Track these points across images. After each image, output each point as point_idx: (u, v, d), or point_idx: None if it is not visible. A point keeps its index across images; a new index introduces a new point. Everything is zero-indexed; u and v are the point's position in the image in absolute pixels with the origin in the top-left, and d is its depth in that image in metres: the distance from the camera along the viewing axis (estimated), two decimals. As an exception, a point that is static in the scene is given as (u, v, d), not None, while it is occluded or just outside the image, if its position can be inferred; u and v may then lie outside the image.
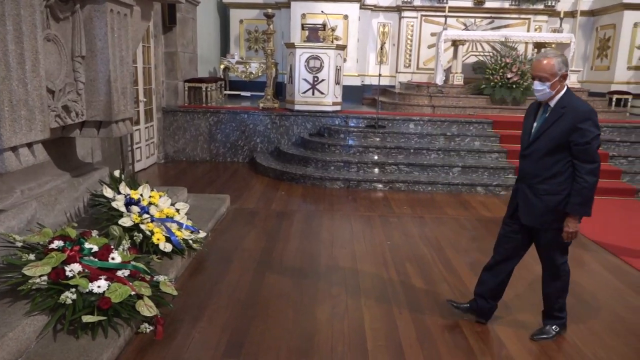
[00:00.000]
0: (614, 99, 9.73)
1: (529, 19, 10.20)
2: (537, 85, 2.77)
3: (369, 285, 3.73)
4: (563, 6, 10.18)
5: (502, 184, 6.67)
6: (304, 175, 6.72)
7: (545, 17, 10.23)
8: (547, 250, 2.96)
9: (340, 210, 5.59)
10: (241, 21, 10.66)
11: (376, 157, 7.08)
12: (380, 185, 6.66)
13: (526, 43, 9.61)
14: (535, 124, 2.86)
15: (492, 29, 10.11)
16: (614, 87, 10.10)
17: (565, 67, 2.77)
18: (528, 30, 10.11)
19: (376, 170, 6.92)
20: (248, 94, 10.05)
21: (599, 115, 8.36)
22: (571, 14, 10.42)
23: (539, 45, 9.33)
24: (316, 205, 5.76)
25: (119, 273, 3.02)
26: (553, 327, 3.11)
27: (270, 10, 8.10)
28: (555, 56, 2.77)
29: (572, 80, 9.26)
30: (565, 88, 2.79)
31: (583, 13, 10.54)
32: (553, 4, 10.21)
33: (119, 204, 3.61)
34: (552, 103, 2.80)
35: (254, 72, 9.95)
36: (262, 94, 8.43)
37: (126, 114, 3.61)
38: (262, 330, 3.10)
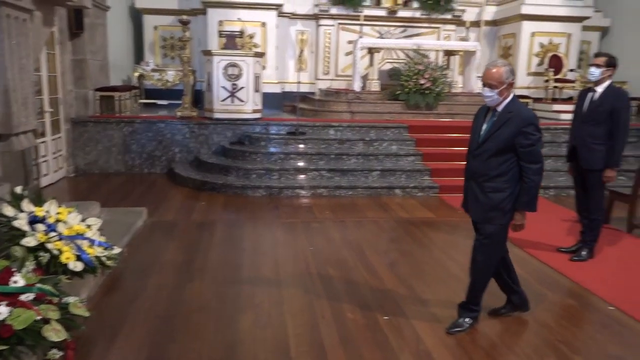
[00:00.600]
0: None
1: (438, 28, 10.72)
2: (486, 91, 2.97)
3: (292, 292, 3.75)
4: (469, 16, 10.78)
5: (419, 185, 6.94)
6: (225, 185, 6.64)
7: (453, 27, 10.80)
8: (483, 242, 3.16)
9: (262, 218, 5.58)
10: (155, 27, 10.37)
11: (298, 164, 7.13)
12: (302, 192, 6.72)
13: (437, 51, 10.04)
14: (484, 127, 3.05)
15: (405, 37, 10.50)
16: (516, 92, 10.70)
17: (512, 75, 2.98)
18: (438, 39, 10.60)
19: (298, 176, 6.97)
20: (165, 102, 9.76)
21: None
22: (476, 24, 11.03)
23: (448, 53, 9.85)
24: (238, 214, 5.71)
25: (23, 297, 2.83)
26: (466, 320, 3.28)
27: (185, 17, 7.94)
28: (504, 65, 2.98)
29: (479, 86, 9.83)
30: (512, 95, 3.01)
31: (487, 23, 11.24)
32: (460, 14, 10.80)
33: (21, 222, 3.39)
34: (500, 108, 3.00)
35: (170, 80, 9.71)
36: (180, 102, 8.24)
37: (28, 125, 3.41)
38: (183, 344, 3.04)
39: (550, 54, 10.81)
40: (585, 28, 11.35)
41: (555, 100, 10.50)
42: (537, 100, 10.56)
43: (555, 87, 10.44)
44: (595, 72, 4.32)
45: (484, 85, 3.00)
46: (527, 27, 10.70)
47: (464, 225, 5.58)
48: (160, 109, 9.26)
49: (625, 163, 7.41)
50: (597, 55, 4.41)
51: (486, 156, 3.01)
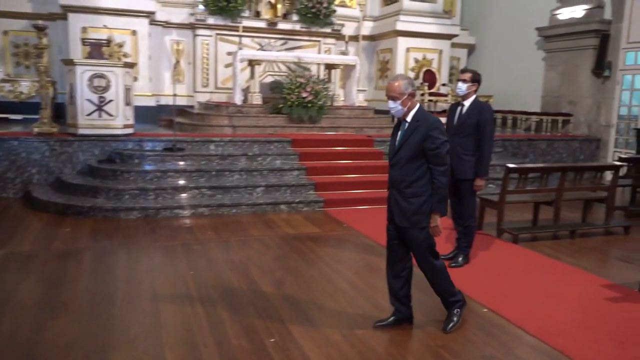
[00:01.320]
0: None
1: (319, 41, 11.02)
2: (390, 103, 3.23)
3: (171, 321, 3.58)
4: (348, 31, 11.24)
5: (304, 200, 7.01)
6: (94, 208, 6.19)
7: (333, 40, 11.17)
8: (418, 251, 3.33)
9: (137, 242, 5.29)
10: (5, 32, 9.44)
11: (176, 182, 6.86)
12: (182, 212, 6.46)
13: (318, 64, 10.30)
14: (398, 137, 3.28)
15: (287, 49, 10.61)
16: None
17: (412, 87, 3.24)
18: (319, 52, 10.89)
19: (177, 196, 6.70)
20: (19, 117, 8.95)
21: (385, 131, 9.39)
22: (355, 38, 11.54)
23: (329, 66, 10.14)
24: (109, 239, 5.36)
25: None
26: (455, 312, 3.50)
27: (41, 22, 7.34)
28: (403, 78, 3.25)
29: (360, 100, 10.24)
30: (418, 105, 3.27)
31: (365, 38, 11.80)
32: (339, 28, 11.21)
33: None
34: (409, 118, 3.25)
35: (25, 91, 8.91)
36: (37, 117, 7.54)
37: None
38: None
39: (424, 69, 11.57)
40: (455, 45, 12.32)
41: (430, 113, 11.29)
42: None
43: (430, 100, 11.16)
44: (462, 87, 4.59)
45: (388, 98, 3.25)
46: (403, 42, 11.40)
47: (349, 238, 5.72)
48: (13, 124, 8.58)
49: (493, 172, 7.94)
50: (463, 71, 4.70)
51: (402, 163, 3.24)
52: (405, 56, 11.47)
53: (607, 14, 10.18)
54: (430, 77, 11.53)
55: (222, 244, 5.31)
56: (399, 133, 3.31)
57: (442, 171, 3.22)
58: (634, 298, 4.16)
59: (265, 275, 4.47)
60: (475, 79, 4.60)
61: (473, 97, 4.63)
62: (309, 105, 8.88)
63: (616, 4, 9.91)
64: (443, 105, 11.40)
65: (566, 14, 10.74)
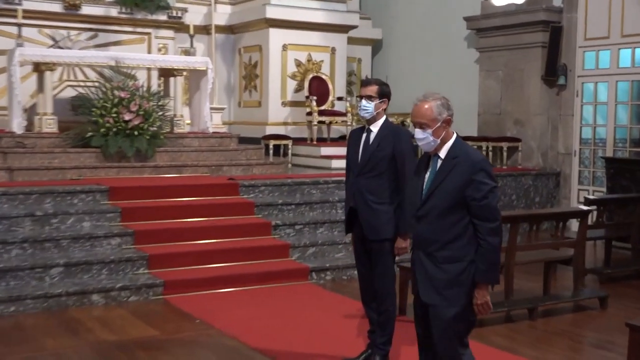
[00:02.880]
0: (271, 146, 11.18)
1: (149, 34, 11.00)
2: (418, 133, 3.50)
3: None
4: (193, 19, 11.18)
5: (131, 285, 6.78)
6: None
7: (171, 33, 11.18)
8: (445, 337, 3.51)
9: None
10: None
11: None
12: None
13: (149, 69, 10.23)
14: (426, 179, 3.55)
15: (97, 46, 10.46)
16: (269, 130, 11.65)
17: (447, 110, 3.50)
18: (149, 51, 10.84)
19: None
20: None
21: (256, 170, 9.57)
22: (205, 30, 11.61)
23: (167, 73, 10.05)
24: None
25: None
26: None
27: None
28: (435, 98, 3.50)
29: (216, 123, 10.28)
30: (455, 136, 3.54)
31: (220, 29, 11.97)
32: (180, 15, 11.23)
33: None
34: (442, 154, 3.53)
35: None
36: None
37: None
38: None
39: (310, 76, 11.90)
40: (353, 41, 12.80)
41: (322, 141, 11.46)
42: (297, 141, 11.46)
43: (322, 122, 11.45)
44: (367, 107, 4.79)
45: (415, 125, 3.53)
46: (277, 36, 11.69)
47: (205, 341, 5.60)
48: None
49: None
50: (366, 83, 4.92)
51: (433, 216, 3.51)
52: (282, 57, 11.78)
53: (557, 0, 10.96)
54: (319, 88, 11.86)
55: (-10, 369, 4.96)
56: (428, 174, 3.57)
57: (492, 229, 3.46)
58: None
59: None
60: (384, 93, 4.82)
61: (383, 118, 4.84)
62: (135, 133, 8.78)
63: (567, -14, 10.69)
64: (340, 129, 11.75)
65: (503, -2, 11.31)
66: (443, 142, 3.54)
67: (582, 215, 6.97)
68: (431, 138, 3.51)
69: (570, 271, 7.04)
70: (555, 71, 10.84)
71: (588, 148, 10.95)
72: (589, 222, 7.25)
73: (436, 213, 3.51)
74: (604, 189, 9.93)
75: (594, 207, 7.87)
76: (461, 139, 3.58)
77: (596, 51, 10.67)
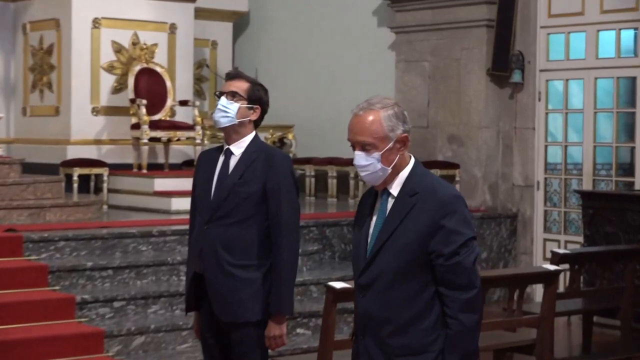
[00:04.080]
0: (75, 177, 10.74)
1: None
2: (358, 158, 3.40)
3: None
4: None
5: None
6: None
7: None
8: None
9: None
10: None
11: None
12: None
13: None
14: (371, 229, 3.48)
15: None
16: (72, 152, 11.27)
17: (403, 124, 3.41)
18: None
19: None
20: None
21: (47, 217, 9.32)
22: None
23: None
24: None
25: None
26: None
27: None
28: (385, 107, 3.42)
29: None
30: (413, 161, 3.47)
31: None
32: None
33: None
34: (395, 188, 3.44)
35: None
36: None
37: None
38: None
39: (137, 68, 11.39)
40: (204, 14, 12.53)
41: (157, 170, 11.15)
42: (117, 169, 11.14)
43: (155, 139, 11.00)
44: (228, 109, 4.75)
45: (353, 145, 3.45)
46: (83, 5, 11.16)
47: None
48: None
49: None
50: (232, 75, 5.00)
51: (383, 284, 3.42)
52: (93, 37, 11.35)
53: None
54: (151, 87, 11.53)
55: None
56: (374, 221, 3.52)
57: (467, 301, 3.38)
58: None
59: None
60: (257, 98, 4.85)
61: (251, 135, 4.88)
62: None
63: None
64: (185, 150, 11.36)
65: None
66: (396, 171, 3.46)
67: (549, 279, 6.86)
68: (379, 165, 3.40)
69: (532, 363, 7.18)
70: (506, 63, 10.76)
71: (557, 177, 10.92)
72: (559, 289, 7.28)
73: (387, 279, 3.43)
74: (581, 239, 9.93)
75: (566, 265, 7.75)
76: (422, 166, 3.50)
77: (566, 33, 10.67)
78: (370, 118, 3.40)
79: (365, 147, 3.41)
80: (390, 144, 3.41)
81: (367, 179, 3.51)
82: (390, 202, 3.48)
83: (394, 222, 3.42)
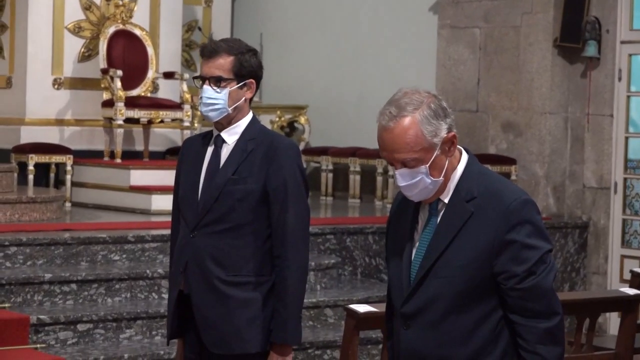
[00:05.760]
0: (30, 167, 10.99)
1: None
2: (402, 177, 3.36)
3: None
4: None
5: None
6: None
7: None
8: None
9: None
10: None
11: None
12: None
13: None
14: (415, 243, 3.46)
15: None
16: (27, 135, 11.50)
17: (445, 119, 3.30)
18: None
19: None
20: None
21: None
22: None
23: None
24: None
25: None
26: None
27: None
28: (417, 107, 3.30)
29: None
30: (466, 157, 3.43)
31: None
32: None
33: None
34: (446, 196, 3.42)
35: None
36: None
37: None
38: None
39: (111, 30, 11.35)
40: None
41: (134, 159, 11.08)
42: (84, 157, 11.23)
43: (132, 120, 10.86)
44: (216, 100, 4.83)
45: (390, 162, 3.43)
46: None
47: None
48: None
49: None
50: (209, 51, 4.89)
51: (434, 315, 3.39)
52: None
53: None
54: (129, 54, 11.71)
55: None
56: (419, 236, 3.50)
57: (548, 331, 3.34)
58: None
59: None
60: (248, 69, 4.86)
61: (247, 118, 4.93)
62: None
63: None
64: (170, 134, 11.52)
65: None
66: (447, 177, 3.34)
67: (627, 306, 6.94)
68: (428, 180, 3.28)
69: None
70: (579, 32, 10.75)
71: (637, 177, 10.87)
72: (640, 319, 7.18)
73: (440, 309, 3.36)
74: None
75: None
76: (477, 161, 3.39)
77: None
78: (406, 129, 3.24)
79: (407, 164, 3.27)
80: (437, 151, 3.26)
81: (416, 199, 3.37)
82: (441, 212, 3.38)
83: (447, 237, 3.32)
